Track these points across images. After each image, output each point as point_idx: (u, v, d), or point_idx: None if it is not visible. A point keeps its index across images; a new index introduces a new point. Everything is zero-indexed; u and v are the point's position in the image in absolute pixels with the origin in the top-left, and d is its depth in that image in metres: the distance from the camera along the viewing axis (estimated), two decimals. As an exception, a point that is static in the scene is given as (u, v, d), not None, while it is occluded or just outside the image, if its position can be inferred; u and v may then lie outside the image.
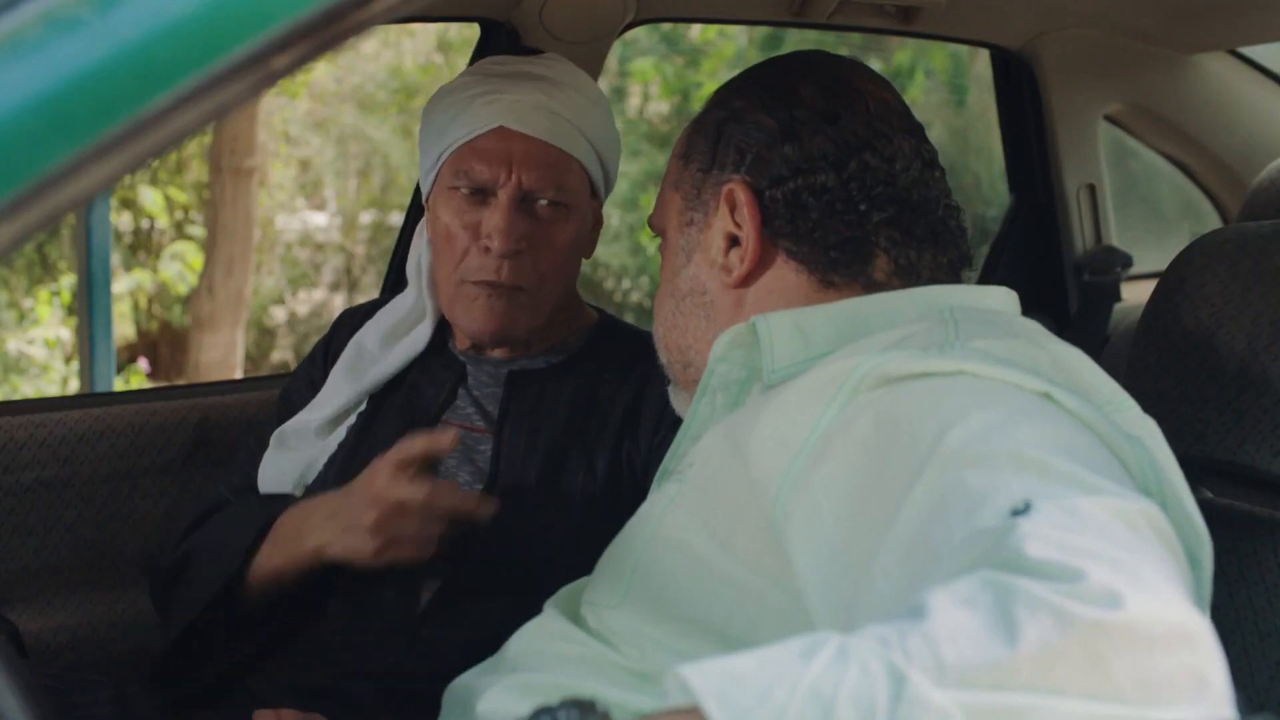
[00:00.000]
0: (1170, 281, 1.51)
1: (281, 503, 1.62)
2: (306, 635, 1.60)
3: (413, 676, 1.52)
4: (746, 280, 1.24)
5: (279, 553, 1.56)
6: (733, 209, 1.23)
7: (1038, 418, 0.94)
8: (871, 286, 1.21)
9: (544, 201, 1.60)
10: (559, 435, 1.62)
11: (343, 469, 1.65)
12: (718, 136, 1.26)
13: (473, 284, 1.60)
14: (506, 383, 1.65)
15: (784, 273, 1.23)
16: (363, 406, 1.69)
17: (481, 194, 1.59)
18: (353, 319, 1.80)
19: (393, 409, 1.68)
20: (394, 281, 2.28)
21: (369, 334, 1.73)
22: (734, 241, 1.24)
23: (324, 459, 1.68)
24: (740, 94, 1.27)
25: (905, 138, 1.24)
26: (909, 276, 1.22)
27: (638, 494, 1.48)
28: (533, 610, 1.33)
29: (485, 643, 1.36)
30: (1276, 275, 1.42)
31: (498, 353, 1.68)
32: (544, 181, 1.59)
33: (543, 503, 1.59)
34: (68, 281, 6.32)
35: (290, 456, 1.70)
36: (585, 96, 1.65)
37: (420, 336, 1.71)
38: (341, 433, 1.69)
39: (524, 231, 1.58)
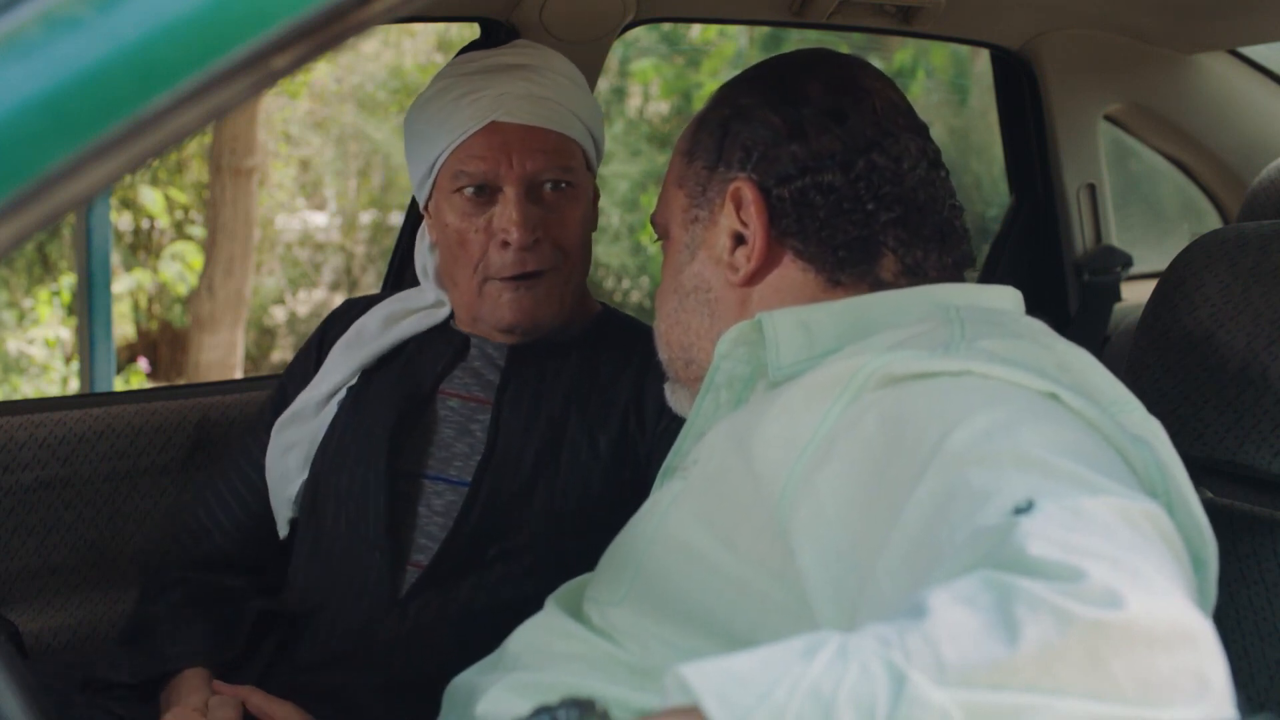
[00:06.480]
0: (1170, 281, 1.51)
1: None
2: (291, 622, 1.61)
3: (406, 662, 1.52)
4: (752, 279, 1.23)
5: None
6: (739, 207, 1.23)
7: (1043, 418, 0.94)
8: (879, 286, 1.21)
9: (549, 186, 1.60)
10: (560, 408, 1.62)
11: (339, 445, 1.65)
12: (723, 134, 1.26)
13: (497, 281, 1.60)
14: (509, 354, 1.65)
15: (791, 272, 1.22)
16: (353, 381, 1.70)
17: (486, 191, 1.59)
18: (352, 309, 1.80)
19: (387, 382, 1.68)
20: (394, 281, 2.27)
21: (372, 317, 1.74)
22: (740, 240, 1.24)
23: (320, 437, 1.68)
24: (746, 91, 1.27)
25: (911, 137, 1.24)
26: (916, 276, 1.22)
27: (639, 478, 1.48)
28: (525, 585, 1.32)
29: (479, 617, 1.35)
30: (1276, 275, 1.42)
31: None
32: (547, 165, 1.58)
33: (540, 475, 1.58)
34: (68, 281, 6.32)
35: (296, 433, 1.70)
36: (565, 76, 1.65)
37: (438, 314, 1.71)
38: (333, 409, 1.69)
39: (537, 220, 1.58)
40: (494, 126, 1.58)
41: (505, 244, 1.58)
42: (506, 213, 1.57)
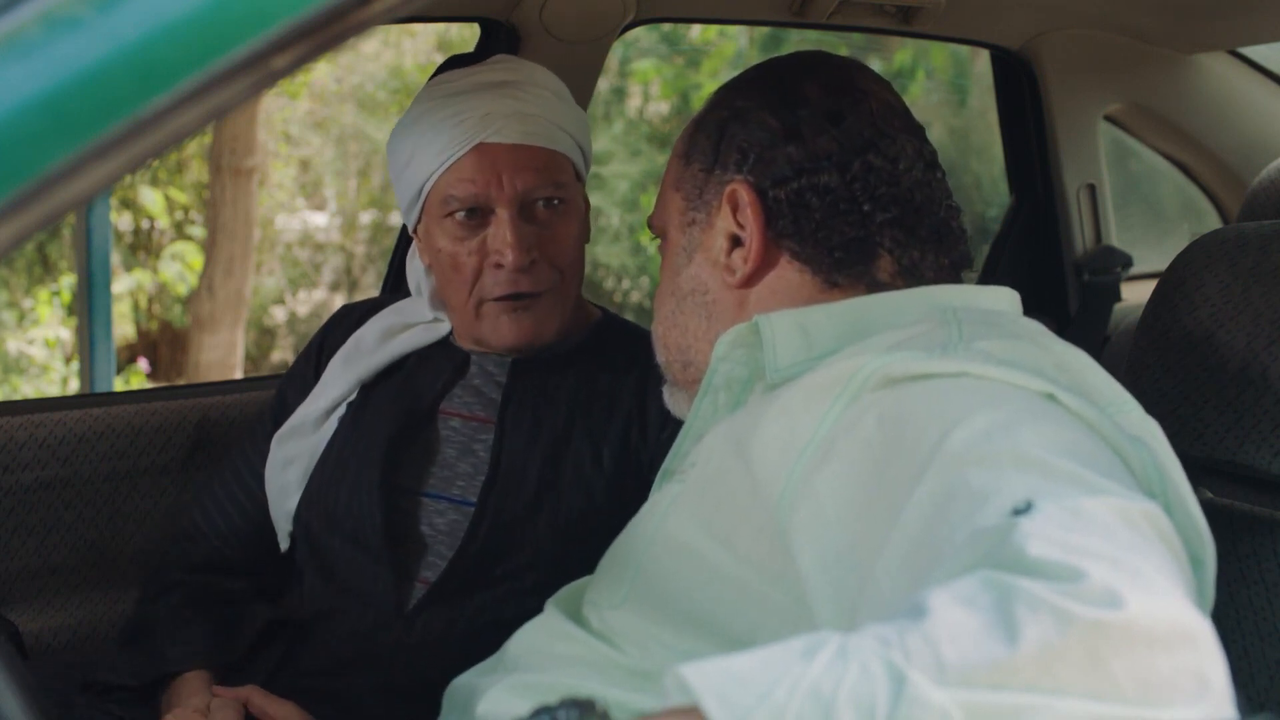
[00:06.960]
0: (1170, 281, 1.51)
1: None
2: (299, 627, 1.61)
3: (409, 668, 1.52)
4: (750, 281, 1.23)
5: None
6: (735, 209, 1.23)
7: (1041, 418, 0.94)
8: (875, 287, 1.21)
9: (542, 203, 1.58)
10: (562, 422, 1.61)
11: (337, 459, 1.65)
12: (720, 136, 1.26)
13: (493, 302, 1.59)
14: (510, 370, 1.65)
15: (787, 273, 1.22)
16: (353, 396, 1.69)
17: (478, 214, 1.57)
18: (350, 315, 1.79)
19: (386, 397, 1.67)
20: (394, 281, 2.27)
21: (370, 329, 1.73)
22: (736, 242, 1.24)
23: (319, 452, 1.68)
24: (743, 94, 1.27)
25: (908, 138, 1.24)
26: (912, 277, 1.22)
27: (643, 488, 1.49)
28: (529, 601, 1.33)
29: (483, 633, 1.35)
30: (1276, 275, 1.42)
31: None
32: (538, 183, 1.57)
33: (545, 493, 1.58)
34: (68, 281, 6.33)
35: (296, 448, 1.70)
36: (547, 89, 1.63)
37: (438, 330, 1.70)
38: (333, 424, 1.68)
39: (532, 240, 1.57)
40: (482, 148, 1.55)
41: (499, 265, 1.56)
42: (500, 234, 1.55)
